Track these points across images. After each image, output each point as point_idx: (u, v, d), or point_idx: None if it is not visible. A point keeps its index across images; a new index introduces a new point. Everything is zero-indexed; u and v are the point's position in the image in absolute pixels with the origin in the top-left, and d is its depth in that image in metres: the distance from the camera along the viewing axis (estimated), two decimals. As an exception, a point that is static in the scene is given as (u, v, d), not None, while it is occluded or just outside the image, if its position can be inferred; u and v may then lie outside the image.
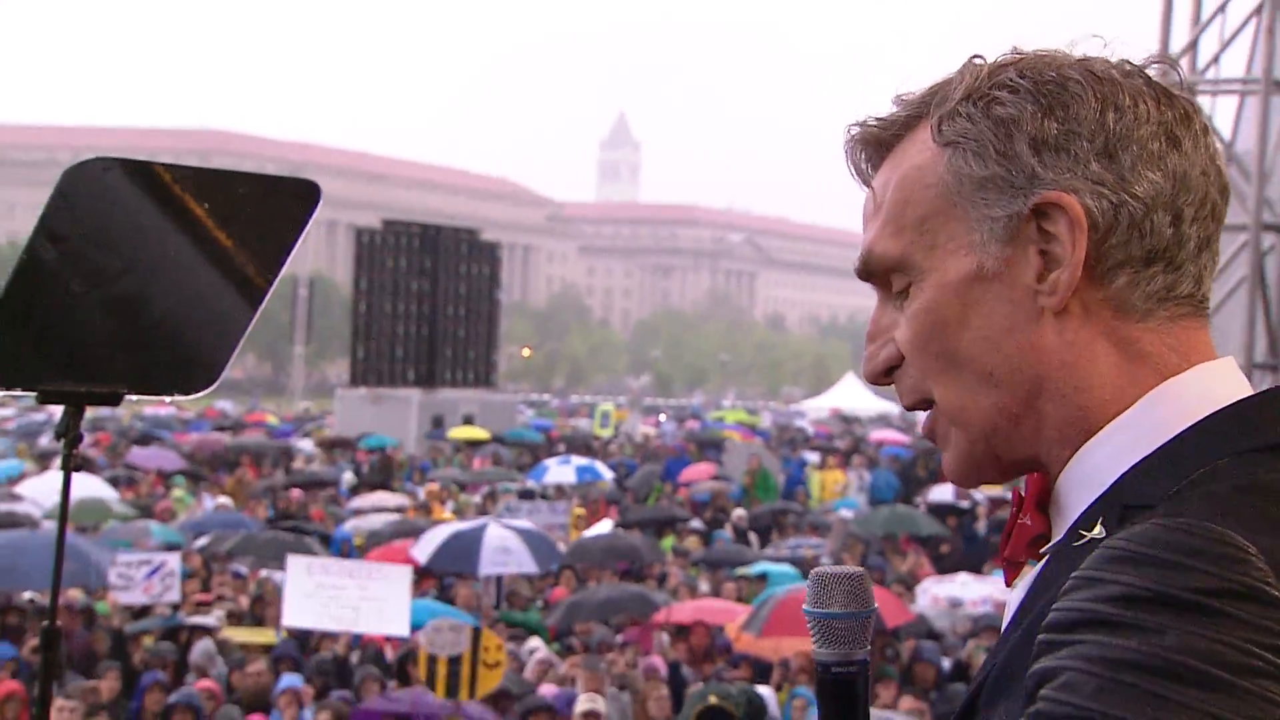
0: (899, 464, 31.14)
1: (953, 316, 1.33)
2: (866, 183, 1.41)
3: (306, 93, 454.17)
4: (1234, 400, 1.28)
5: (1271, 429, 1.25)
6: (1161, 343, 1.30)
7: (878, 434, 44.86)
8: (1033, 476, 1.37)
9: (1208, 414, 1.26)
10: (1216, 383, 1.29)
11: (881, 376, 1.40)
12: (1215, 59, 11.40)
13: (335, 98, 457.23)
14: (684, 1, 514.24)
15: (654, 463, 32.71)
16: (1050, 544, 1.33)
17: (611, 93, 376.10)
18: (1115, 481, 1.27)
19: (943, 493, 25.32)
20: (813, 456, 33.95)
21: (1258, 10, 11.04)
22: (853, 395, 65.19)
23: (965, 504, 24.65)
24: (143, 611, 13.88)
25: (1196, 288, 1.31)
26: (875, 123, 1.39)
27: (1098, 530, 1.25)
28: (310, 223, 3.11)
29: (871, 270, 1.39)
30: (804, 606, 1.53)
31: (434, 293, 43.63)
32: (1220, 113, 11.64)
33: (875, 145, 1.40)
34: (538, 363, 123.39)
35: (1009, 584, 1.37)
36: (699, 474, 28.69)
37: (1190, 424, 1.26)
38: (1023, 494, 1.37)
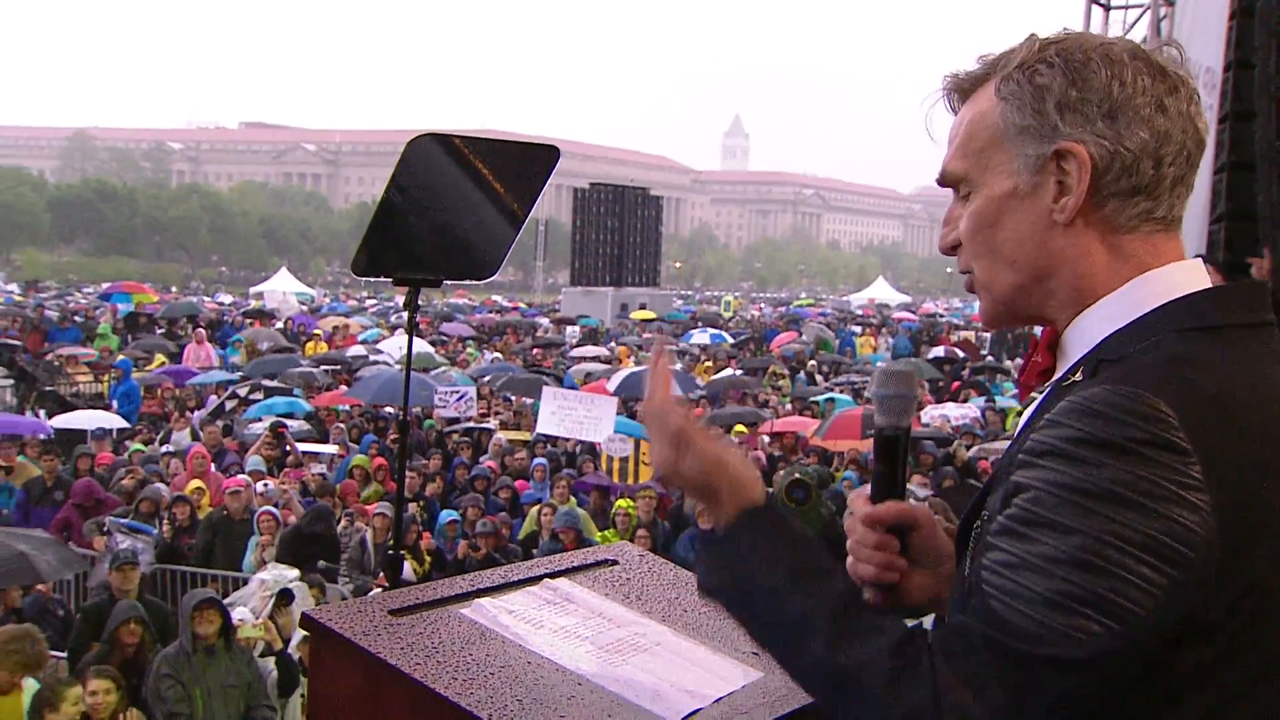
0: (910, 333, 31.28)
1: (993, 220, 1.24)
2: (954, 113, 1.30)
3: (544, 99, 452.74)
4: (1191, 290, 1.18)
5: (1209, 314, 1.16)
6: (1140, 248, 1.20)
7: (898, 315, 44.01)
8: (1047, 329, 1.27)
9: (1170, 299, 1.17)
10: (1182, 276, 1.19)
11: (948, 250, 1.30)
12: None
13: (562, 103, 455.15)
14: (778, 54, 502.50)
15: (756, 332, 32.59)
16: (1052, 379, 1.25)
17: (731, 103, 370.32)
18: (1099, 342, 1.19)
19: (937, 351, 24.98)
20: (857, 329, 33.42)
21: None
22: (883, 291, 64.70)
23: (957, 358, 24.29)
24: (452, 420, 14.23)
25: (1169, 211, 1.20)
26: (961, 76, 1.28)
27: (1078, 376, 1.18)
28: (552, 174, 3.10)
29: (945, 180, 1.29)
30: (870, 390, 1.46)
31: (621, 228, 43.45)
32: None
33: (959, 91, 1.28)
34: (685, 271, 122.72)
35: (1022, 400, 1.31)
36: (786, 339, 28.40)
37: (1156, 305, 1.17)
38: (1038, 339, 1.29)
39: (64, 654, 6.61)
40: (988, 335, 29.31)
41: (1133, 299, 1.19)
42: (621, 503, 9.47)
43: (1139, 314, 1.18)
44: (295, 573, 7.41)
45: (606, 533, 9.28)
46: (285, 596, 6.78)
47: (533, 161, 3.11)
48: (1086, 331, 1.21)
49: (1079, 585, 1.03)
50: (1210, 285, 1.20)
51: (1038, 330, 1.31)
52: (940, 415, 15.56)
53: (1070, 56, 1.20)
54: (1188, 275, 1.20)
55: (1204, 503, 1.03)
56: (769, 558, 1.20)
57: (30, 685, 5.58)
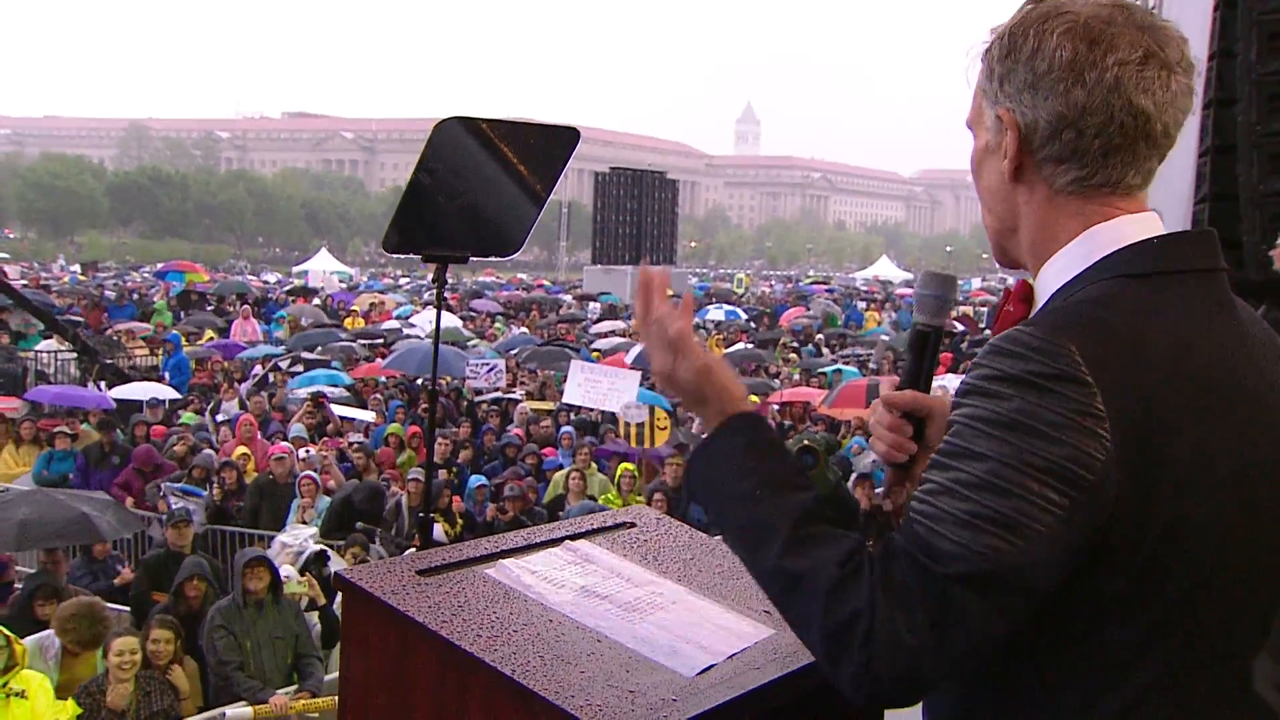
0: (912, 308, 30.81)
1: (977, 168, 1.27)
2: None
3: (567, 87, 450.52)
4: (1130, 242, 1.16)
5: (1141, 263, 1.15)
6: (1088, 207, 1.19)
7: (901, 291, 43.75)
8: (1020, 281, 1.28)
9: (1112, 250, 1.16)
10: (1131, 229, 1.17)
11: None
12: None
13: (584, 91, 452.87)
14: (788, 45, 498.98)
15: (767, 307, 32.45)
16: None
17: (743, 91, 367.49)
18: (1052, 293, 1.19)
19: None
20: (862, 304, 33.29)
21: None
22: (886, 269, 64.70)
23: (955, 331, 24.13)
24: (479, 390, 14.17)
25: (1110, 179, 1.17)
26: (989, 36, 1.26)
27: None
28: (573, 155, 3.05)
29: (967, 123, 1.30)
30: (914, 289, 1.47)
31: (639, 210, 43.22)
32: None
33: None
34: (700, 250, 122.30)
35: None
36: (795, 314, 28.19)
37: (1100, 257, 1.17)
38: (1010, 291, 1.29)
39: (126, 607, 6.68)
40: (985, 310, 29.11)
41: (1081, 252, 1.19)
42: (625, 465, 9.49)
43: (1085, 266, 1.18)
44: (311, 531, 7.46)
45: (609, 494, 9.30)
46: (321, 559, 6.81)
47: (554, 143, 3.08)
48: (1046, 284, 1.22)
49: (988, 506, 1.05)
50: (1156, 235, 1.17)
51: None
52: (940, 386, 15.43)
53: (1016, 31, 1.20)
54: (1136, 227, 1.18)
55: (1105, 431, 1.05)
56: (742, 466, 1.21)
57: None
